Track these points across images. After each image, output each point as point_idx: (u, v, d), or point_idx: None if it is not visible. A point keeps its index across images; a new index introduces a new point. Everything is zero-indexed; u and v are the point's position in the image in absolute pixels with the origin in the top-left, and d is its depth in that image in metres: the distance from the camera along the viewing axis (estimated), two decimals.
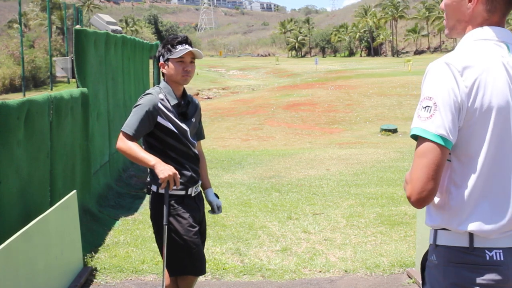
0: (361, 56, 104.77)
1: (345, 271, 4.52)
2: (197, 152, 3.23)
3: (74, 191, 4.46)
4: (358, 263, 4.67)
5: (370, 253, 4.94)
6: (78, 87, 6.01)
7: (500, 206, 1.56)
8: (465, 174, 1.56)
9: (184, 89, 3.21)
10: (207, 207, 3.37)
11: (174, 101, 3.10)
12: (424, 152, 1.52)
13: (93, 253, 4.89)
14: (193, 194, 3.18)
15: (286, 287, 4.26)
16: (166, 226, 3.01)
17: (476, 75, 1.52)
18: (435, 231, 1.65)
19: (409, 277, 4.34)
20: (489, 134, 1.53)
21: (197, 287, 4.25)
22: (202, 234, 3.31)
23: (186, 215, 3.10)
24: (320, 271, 4.53)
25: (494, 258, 1.55)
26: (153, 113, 3.03)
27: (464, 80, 1.51)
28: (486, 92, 1.52)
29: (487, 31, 1.61)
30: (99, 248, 5.06)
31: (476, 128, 1.53)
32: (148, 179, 3.17)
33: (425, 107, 1.54)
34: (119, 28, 11.54)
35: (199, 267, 3.16)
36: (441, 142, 1.50)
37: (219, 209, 3.34)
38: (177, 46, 3.05)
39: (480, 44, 1.60)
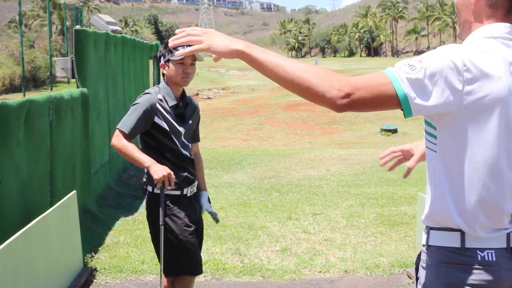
0: (361, 56, 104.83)
1: (345, 271, 4.52)
2: (191, 153, 3.24)
3: (74, 191, 4.46)
4: (358, 263, 4.67)
5: (370, 253, 4.94)
6: (78, 87, 6.01)
7: (492, 202, 1.55)
8: (459, 169, 1.54)
9: (183, 91, 3.21)
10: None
11: (172, 102, 3.10)
12: (382, 85, 1.45)
13: (93, 253, 4.89)
14: (188, 194, 3.18)
15: (286, 287, 4.26)
16: (163, 227, 3.02)
17: (477, 76, 1.46)
18: (428, 231, 1.64)
19: (409, 277, 4.34)
20: (485, 133, 1.50)
21: (197, 287, 4.25)
22: (199, 235, 3.30)
23: (182, 214, 3.10)
24: (320, 271, 4.53)
25: (486, 259, 1.54)
26: (150, 112, 3.03)
27: (462, 76, 1.45)
28: (482, 92, 1.46)
29: (495, 28, 1.57)
30: (99, 248, 5.06)
31: (471, 125, 1.49)
32: (144, 180, 3.17)
33: (410, 65, 1.46)
34: (119, 28, 11.55)
35: (195, 267, 3.15)
36: (402, 100, 1.45)
37: (215, 216, 3.31)
38: (178, 48, 3.05)
39: (488, 43, 1.54)
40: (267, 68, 1.51)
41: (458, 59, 1.45)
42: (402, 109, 1.47)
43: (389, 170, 2.19)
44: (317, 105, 1.52)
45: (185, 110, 3.18)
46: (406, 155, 2.15)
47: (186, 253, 3.09)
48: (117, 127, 3.02)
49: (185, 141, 3.17)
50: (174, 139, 3.10)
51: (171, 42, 1.63)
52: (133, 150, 2.95)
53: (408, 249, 5.00)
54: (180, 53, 1.61)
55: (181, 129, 3.12)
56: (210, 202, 3.36)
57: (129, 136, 2.99)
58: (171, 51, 3.06)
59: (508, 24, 1.58)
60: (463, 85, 1.45)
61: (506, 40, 1.56)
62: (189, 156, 3.21)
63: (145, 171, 3.12)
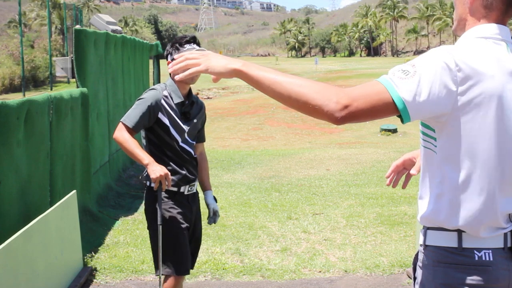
0: (361, 56, 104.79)
1: (345, 271, 4.53)
2: (194, 152, 3.23)
3: (74, 191, 4.46)
4: (358, 263, 4.68)
5: (370, 253, 4.94)
6: (78, 87, 6.02)
7: (492, 201, 1.55)
8: (457, 168, 1.54)
9: (190, 89, 3.22)
10: (205, 211, 3.35)
11: (178, 100, 3.10)
12: (378, 93, 1.45)
13: (93, 253, 4.89)
14: (186, 193, 3.17)
15: (286, 287, 4.26)
16: (161, 226, 3.00)
17: (470, 75, 1.47)
18: (425, 231, 1.64)
19: (409, 277, 4.34)
20: (483, 131, 1.50)
21: (197, 287, 4.26)
22: (195, 237, 3.29)
23: (175, 211, 3.09)
24: (320, 271, 4.53)
25: (483, 259, 1.54)
26: (155, 108, 3.04)
27: (456, 77, 1.46)
28: (476, 91, 1.47)
29: (487, 28, 1.58)
30: (99, 248, 5.06)
31: (469, 124, 1.50)
32: (145, 174, 3.16)
33: (403, 71, 1.47)
34: (119, 28, 11.54)
35: (183, 266, 3.06)
36: (399, 106, 1.44)
37: (215, 214, 3.33)
38: (185, 45, 3.08)
39: (480, 43, 1.56)
40: (265, 85, 1.52)
41: (451, 60, 1.46)
42: (399, 116, 1.48)
43: (392, 185, 2.19)
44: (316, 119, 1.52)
45: (191, 108, 3.18)
46: (407, 165, 2.15)
47: (174, 251, 3.04)
48: (121, 120, 3.02)
49: (188, 139, 3.16)
50: (176, 136, 3.10)
51: (170, 69, 1.67)
52: (134, 146, 2.95)
53: (408, 249, 5.00)
54: (179, 77, 1.64)
55: (184, 127, 3.12)
56: (216, 201, 3.37)
57: (132, 130, 2.99)
58: (178, 48, 3.08)
59: (499, 25, 1.59)
60: (457, 85, 1.46)
61: (497, 40, 1.57)
62: (193, 155, 3.20)
63: None
